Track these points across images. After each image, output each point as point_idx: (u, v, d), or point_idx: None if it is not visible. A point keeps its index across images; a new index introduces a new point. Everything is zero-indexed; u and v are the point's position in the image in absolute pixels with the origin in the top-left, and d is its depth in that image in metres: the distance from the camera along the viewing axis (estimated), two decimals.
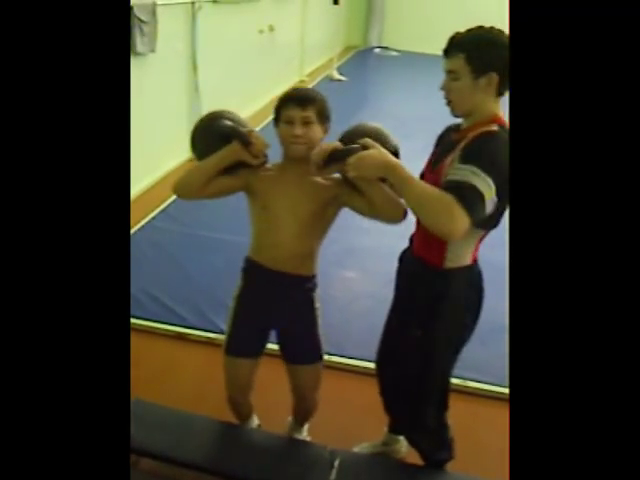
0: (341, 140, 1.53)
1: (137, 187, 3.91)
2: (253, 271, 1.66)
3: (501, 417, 1.84)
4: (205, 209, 3.70)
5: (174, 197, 3.79)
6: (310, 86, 5.33)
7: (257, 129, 1.55)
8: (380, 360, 1.84)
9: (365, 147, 1.42)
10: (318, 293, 1.69)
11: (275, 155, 1.61)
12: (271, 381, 2.10)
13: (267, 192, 1.56)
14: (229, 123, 1.54)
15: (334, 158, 1.45)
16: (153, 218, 3.61)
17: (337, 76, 8.03)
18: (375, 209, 1.49)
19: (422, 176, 1.56)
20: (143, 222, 3.54)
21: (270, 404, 2.10)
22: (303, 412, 1.91)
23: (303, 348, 1.72)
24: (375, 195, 1.47)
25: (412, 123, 5.65)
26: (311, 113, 1.49)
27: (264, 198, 1.56)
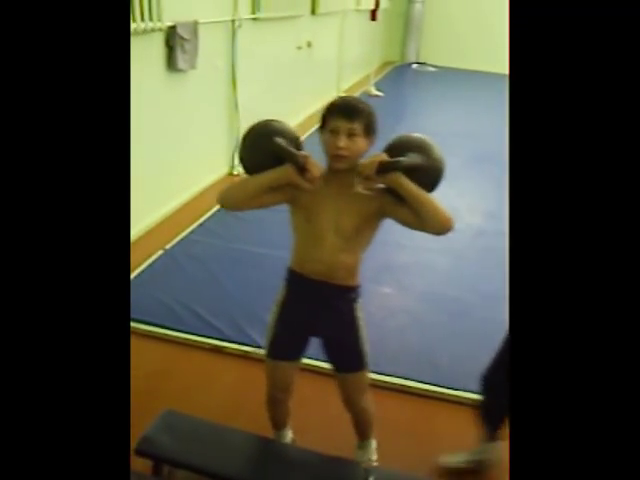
0: (386, 151, 1.54)
1: (176, 201, 3.98)
2: (296, 281, 1.66)
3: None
4: (243, 223, 3.74)
5: (212, 211, 3.85)
6: None
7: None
8: (494, 374, 1.82)
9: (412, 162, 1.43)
10: (361, 303, 1.69)
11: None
12: (309, 399, 2.09)
13: (312, 206, 1.56)
14: (284, 143, 1.52)
15: (385, 169, 1.46)
16: (192, 232, 3.66)
17: (374, 92, 8.06)
18: (422, 220, 1.48)
19: None
20: (182, 235, 3.59)
21: (306, 422, 2.09)
22: (360, 425, 1.91)
23: (346, 357, 1.73)
24: (422, 206, 1.47)
25: (450, 139, 5.56)
26: (357, 126, 1.48)
27: (309, 212, 1.57)
